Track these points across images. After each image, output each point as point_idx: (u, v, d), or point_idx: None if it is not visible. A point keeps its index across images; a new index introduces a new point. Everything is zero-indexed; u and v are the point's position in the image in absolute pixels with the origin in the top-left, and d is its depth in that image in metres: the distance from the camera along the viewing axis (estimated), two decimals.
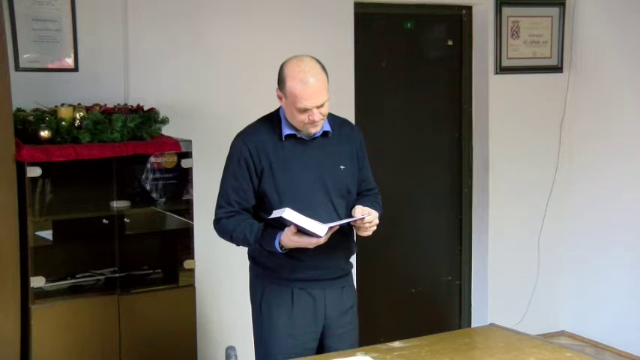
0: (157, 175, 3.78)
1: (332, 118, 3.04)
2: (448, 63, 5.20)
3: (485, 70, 5.12)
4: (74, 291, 3.69)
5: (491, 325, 3.19)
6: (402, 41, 5.04)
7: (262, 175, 2.92)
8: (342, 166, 2.99)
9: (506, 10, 5.09)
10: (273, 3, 4.42)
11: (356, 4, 4.68)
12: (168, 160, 3.76)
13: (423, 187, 5.19)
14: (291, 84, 2.84)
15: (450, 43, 5.18)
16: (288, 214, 2.74)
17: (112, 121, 3.60)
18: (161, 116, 3.81)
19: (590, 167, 5.22)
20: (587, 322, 5.28)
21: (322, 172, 2.95)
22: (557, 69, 5.28)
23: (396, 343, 2.84)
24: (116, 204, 3.71)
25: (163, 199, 3.82)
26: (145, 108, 3.85)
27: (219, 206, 3.01)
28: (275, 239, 2.85)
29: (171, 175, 3.79)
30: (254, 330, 3.11)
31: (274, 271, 2.99)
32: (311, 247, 2.81)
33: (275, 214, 2.79)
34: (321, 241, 2.78)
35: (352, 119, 4.68)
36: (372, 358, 2.69)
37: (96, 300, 3.65)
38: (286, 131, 2.95)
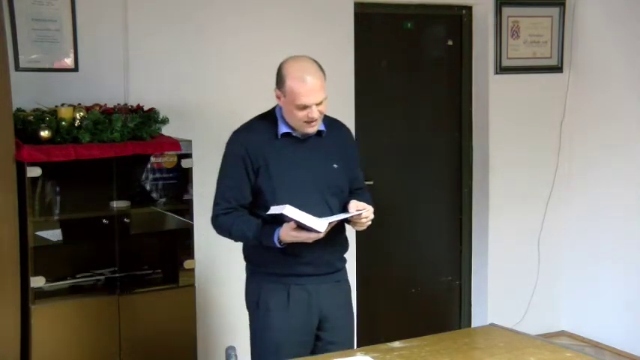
0: (157, 175, 3.78)
1: (326, 118, 3.07)
2: (448, 63, 5.20)
3: (485, 70, 5.12)
4: (74, 291, 3.69)
5: (492, 325, 3.19)
6: (402, 41, 5.03)
7: (258, 172, 2.96)
8: (335, 165, 3.04)
9: (506, 10, 5.09)
10: (274, 3, 4.42)
11: (356, 4, 4.68)
12: (168, 160, 3.76)
13: (423, 187, 5.18)
14: (290, 82, 2.89)
15: (450, 43, 5.18)
16: (288, 210, 2.78)
17: (112, 121, 3.59)
18: (161, 116, 3.81)
19: (590, 167, 5.22)
20: (587, 322, 5.28)
21: (316, 170, 3.00)
22: (557, 69, 5.28)
23: (396, 343, 2.84)
24: (116, 204, 3.71)
25: (163, 199, 3.83)
26: (145, 108, 3.85)
27: (216, 203, 3.06)
28: (274, 234, 2.89)
29: (171, 175, 3.79)
30: (250, 328, 3.15)
31: (270, 269, 3.03)
32: (310, 241, 2.85)
33: (274, 210, 2.83)
34: (320, 235, 2.83)
35: (352, 119, 4.68)
36: (372, 358, 2.69)
37: (96, 300, 3.66)
38: (283, 129, 2.99)
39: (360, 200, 3.02)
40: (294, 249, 2.91)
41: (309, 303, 3.02)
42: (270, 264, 3.01)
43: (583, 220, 5.27)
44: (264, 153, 2.96)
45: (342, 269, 3.15)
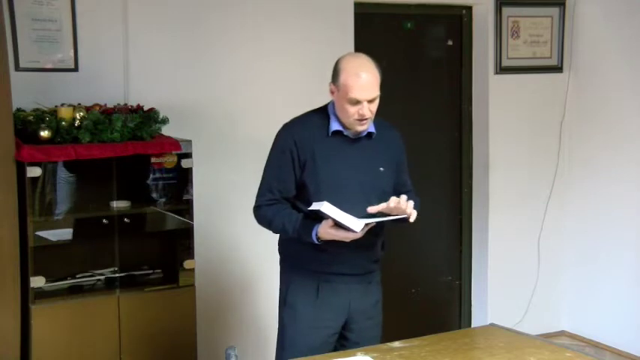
0: (157, 175, 3.78)
1: (378, 121, 3.09)
2: (448, 63, 5.20)
3: (485, 70, 5.12)
4: (74, 291, 3.69)
5: (492, 325, 3.20)
6: (402, 41, 5.04)
7: (305, 166, 2.97)
8: (381, 168, 3.05)
9: (506, 10, 5.09)
10: (274, 3, 4.42)
11: (356, 4, 4.68)
12: (168, 160, 3.76)
13: (423, 187, 5.17)
14: (344, 76, 2.91)
15: (450, 43, 5.18)
16: (326, 207, 2.78)
17: (112, 121, 3.59)
18: (161, 116, 3.81)
19: (590, 167, 5.22)
20: (587, 322, 5.28)
21: (362, 171, 3.00)
22: (557, 69, 5.28)
23: (396, 343, 2.85)
24: (116, 204, 3.71)
25: (163, 199, 3.83)
26: (145, 108, 3.85)
27: (260, 194, 3.05)
28: (313, 230, 2.89)
29: (171, 175, 3.79)
30: (278, 323, 3.14)
31: (302, 264, 3.04)
32: (347, 240, 2.85)
33: (314, 206, 2.84)
34: (357, 235, 2.82)
35: None
36: (372, 358, 2.69)
37: (96, 300, 3.66)
38: (334, 127, 2.99)
39: (414, 200, 2.99)
40: (329, 247, 2.91)
41: (338, 301, 3.03)
42: (304, 259, 3.03)
43: (583, 220, 5.27)
44: (313, 148, 2.97)
45: (374, 271, 3.15)
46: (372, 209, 2.84)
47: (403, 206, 2.85)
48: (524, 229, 5.27)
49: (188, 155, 3.78)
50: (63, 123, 3.51)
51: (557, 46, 5.26)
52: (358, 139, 3.03)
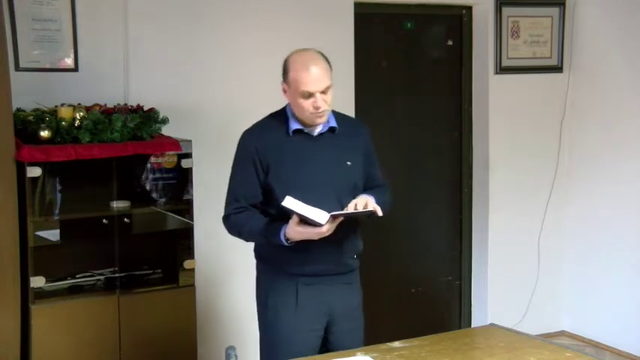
0: (157, 175, 3.78)
1: (341, 116, 3.09)
2: (448, 63, 5.19)
3: (485, 70, 5.12)
4: (74, 291, 3.69)
5: (491, 325, 3.19)
6: (402, 41, 5.03)
7: (269, 170, 2.94)
8: (348, 162, 3.02)
9: (506, 10, 5.09)
10: (273, 3, 4.42)
11: (356, 4, 4.68)
12: (168, 160, 3.76)
13: (423, 187, 5.19)
14: (293, 72, 2.91)
15: (450, 43, 5.18)
16: (288, 202, 2.76)
17: (112, 121, 3.59)
18: (161, 116, 3.81)
19: (590, 167, 5.22)
20: (587, 322, 5.28)
21: (328, 167, 2.97)
22: (557, 69, 5.28)
23: (396, 343, 2.84)
24: (116, 204, 3.71)
25: (163, 199, 3.83)
26: (145, 108, 3.85)
27: (227, 203, 3.03)
28: (280, 231, 2.86)
29: (171, 175, 3.79)
30: (259, 327, 3.11)
31: (280, 267, 2.99)
32: (316, 237, 2.81)
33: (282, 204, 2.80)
34: (324, 230, 2.79)
35: None
36: (372, 358, 2.69)
37: (96, 300, 3.66)
38: (293, 126, 2.97)
39: (380, 195, 3.01)
40: (304, 247, 2.88)
41: (319, 303, 2.99)
42: (281, 262, 2.98)
43: (583, 220, 5.27)
44: (275, 151, 2.95)
45: (354, 270, 3.13)
46: (334, 214, 2.80)
47: (361, 208, 2.84)
48: (524, 229, 5.27)
49: (188, 155, 3.78)
50: (63, 123, 3.51)
51: (557, 46, 5.26)
52: (321, 135, 3.00)
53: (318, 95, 2.88)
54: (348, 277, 3.09)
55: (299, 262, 2.95)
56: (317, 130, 2.99)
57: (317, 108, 2.89)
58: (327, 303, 3.01)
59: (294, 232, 2.82)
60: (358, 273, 3.17)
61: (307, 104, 2.89)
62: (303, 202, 2.78)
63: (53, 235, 3.66)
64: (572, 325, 5.37)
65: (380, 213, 2.88)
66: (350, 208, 2.86)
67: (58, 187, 3.62)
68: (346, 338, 3.04)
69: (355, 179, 3.03)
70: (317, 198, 2.86)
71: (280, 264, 2.99)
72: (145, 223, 3.90)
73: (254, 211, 2.98)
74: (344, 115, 3.13)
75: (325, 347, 3.05)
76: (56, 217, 3.66)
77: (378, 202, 2.95)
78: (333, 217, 2.79)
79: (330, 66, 2.96)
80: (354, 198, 2.96)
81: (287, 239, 2.85)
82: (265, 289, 3.06)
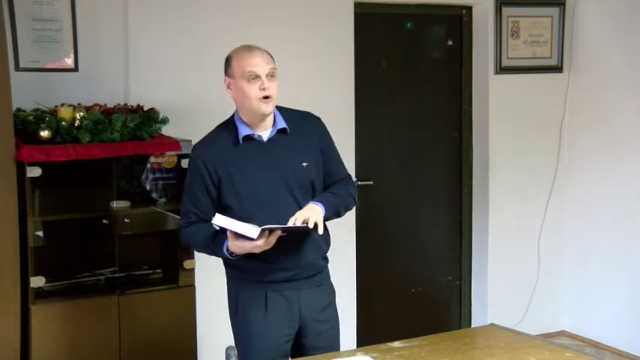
0: (157, 175, 3.78)
1: (290, 113, 2.99)
2: (448, 63, 5.20)
3: (485, 70, 5.12)
4: (74, 291, 3.69)
5: (491, 325, 3.19)
6: (402, 41, 5.04)
7: (220, 184, 2.88)
8: (304, 163, 2.93)
9: (506, 10, 5.09)
10: (274, 3, 4.42)
11: (356, 4, 4.68)
12: (168, 160, 3.76)
13: (423, 187, 5.18)
14: (236, 60, 2.89)
15: (450, 43, 5.18)
16: (217, 219, 2.72)
17: (112, 121, 3.59)
18: (161, 116, 3.81)
19: (590, 167, 5.22)
20: (587, 322, 5.28)
21: (283, 171, 2.89)
22: (557, 69, 5.28)
23: (396, 343, 2.84)
24: (116, 204, 3.72)
25: (163, 199, 3.82)
26: (145, 108, 3.85)
27: (180, 216, 3.02)
28: (223, 246, 2.82)
29: (171, 175, 3.79)
30: (233, 333, 3.06)
31: (247, 274, 2.94)
32: (257, 251, 2.75)
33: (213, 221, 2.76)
34: (261, 244, 2.71)
35: (352, 119, 4.68)
36: (372, 358, 2.69)
37: (96, 300, 3.66)
38: (243, 132, 2.90)
39: (337, 193, 2.94)
40: (267, 254, 2.80)
41: (288, 309, 2.93)
42: (247, 270, 2.93)
43: (583, 220, 5.27)
44: (225, 163, 2.87)
45: (322, 271, 3.03)
46: (265, 228, 2.71)
47: (299, 223, 2.75)
48: (524, 229, 5.27)
49: (188, 155, 3.77)
50: (63, 123, 3.51)
51: (557, 46, 5.26)
52: (271, 139, 2.91)
53: (264, 78, 2.83)
54: (316, 280, 3.01)
55: (265, 269, 2.89)
56: (267, 135, 2.91)
57: (264, 90, 2.82)
58: (297, 308, 2.95)
59: (234, 246, 2.76)
60: (328, 272, 3.09)
61: (254, 89, 2.82)
62: (259, 212, 2.75)
63: (53, 235, 3.65)
64: (572, 325, 5.37)
65: (320, 231, 2.80)
66: (290, 223, 2.77)
67: (58, 187, 3.62)
68: (320, 339, 2.99)
69: (313, 179, 2.95)
70: (275, 205, 2.83)
71: (248, 272, 2.94)
72: (145, 223, 3.90)
73: (203, 224, 2.92)
74: (291, 110, 3.01)
75: (300, 351, 2.99)
76: (56, 217, 3.65)
77: (334, 203, 2.91)
78: (270, 231, 2.72)
79: (273, 59, 2.92)
80: (313, 197, 2.92)
81: (231, 253, 2.81)
82: (235, 296, 3.01)
